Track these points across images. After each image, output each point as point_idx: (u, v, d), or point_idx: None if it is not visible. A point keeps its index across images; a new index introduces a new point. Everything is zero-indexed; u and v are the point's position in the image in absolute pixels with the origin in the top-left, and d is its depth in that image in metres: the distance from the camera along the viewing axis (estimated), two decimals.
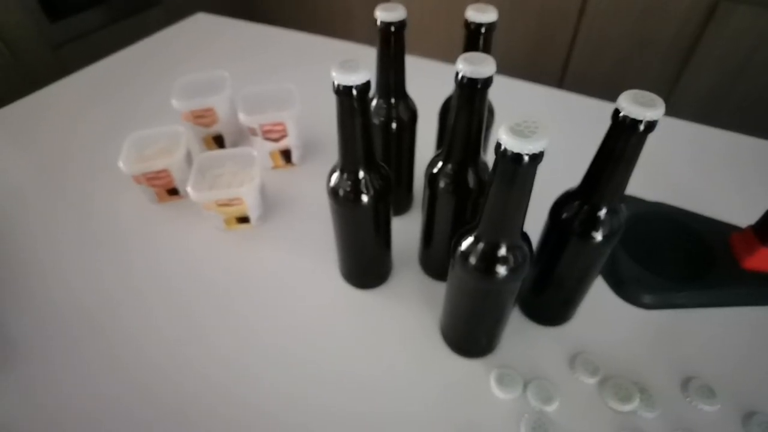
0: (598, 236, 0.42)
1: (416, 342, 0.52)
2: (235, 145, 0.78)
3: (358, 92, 0.38)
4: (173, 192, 0.68)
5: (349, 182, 0.45)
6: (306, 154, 0.74)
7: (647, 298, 0.55)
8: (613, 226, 0.41)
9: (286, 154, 0.71)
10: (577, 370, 0.49)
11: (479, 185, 0.45)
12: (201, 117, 0.71)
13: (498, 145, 0.31)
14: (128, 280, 0.59)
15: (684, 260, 0.58)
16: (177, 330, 0.53)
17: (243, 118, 0.65)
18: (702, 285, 0.55)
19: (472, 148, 0.43)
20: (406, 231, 0.60)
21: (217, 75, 0.74)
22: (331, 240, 0.59)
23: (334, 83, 0.38)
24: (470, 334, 0.48)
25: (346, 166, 0.44)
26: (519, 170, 0.31)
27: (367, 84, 0.38)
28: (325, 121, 0.75)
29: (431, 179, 0.47)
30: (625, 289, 0.56)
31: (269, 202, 0.67)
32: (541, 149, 0.30)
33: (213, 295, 0.57)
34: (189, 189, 0.58)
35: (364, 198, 0.45)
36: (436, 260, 0.55)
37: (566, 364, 0.50)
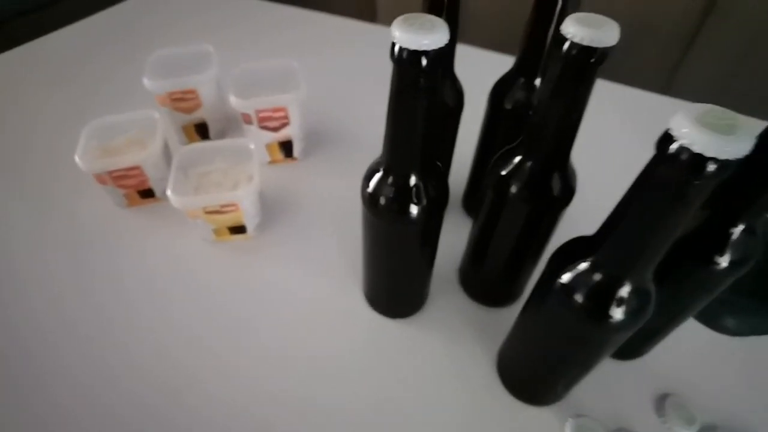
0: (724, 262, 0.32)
1: (467, 386, 0.41)
2: (221, 135, 0.64)
3: (429, 61, 0.26)
4: (147, 194, 0.54)
5: (397, 188, 0.33)
6: (309, 147, 0.62)
7: (731, 323, 0.47)
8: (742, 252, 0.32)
9: (287, 147, 0.59)
10: (669, 417, 0.39)
11: (566, 195, 0.35)
12: (180, 100, 0.58)
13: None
14: (90, 307, 0.46)
15: None
16: (157, 376, 0.41)
17: (235, 102, 0.53)
18: None
19: (565, 146, 0.32)
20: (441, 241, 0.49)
21: (199, 49, 0.61)
22: (350, 254, 0.48)
23: (394, 47, 0.26)
24: (548, 382, 0.38)
25: (395, 166, 0.33)
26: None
27: (444, 51, 0.26)
28: (331, 106, 0.63)
29: (500, 182, 0.36)
30: (704, 311, 0.47)
31: (267, 206, 0.54)
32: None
33: (200, 328, 0.44)
34: (169, 193, 0.45)
35: (415, 210, 0.33)
36: (490, 282, 0.45)
37: (652, 408, 0.40)
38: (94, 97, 0.72)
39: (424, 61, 0.26)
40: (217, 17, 0.93)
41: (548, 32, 0.38)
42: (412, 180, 0.33)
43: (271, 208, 0.54)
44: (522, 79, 0.42)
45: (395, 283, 0.42)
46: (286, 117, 0.55)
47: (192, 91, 0.57)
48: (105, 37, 0.87)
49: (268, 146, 0.58)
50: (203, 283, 0.48)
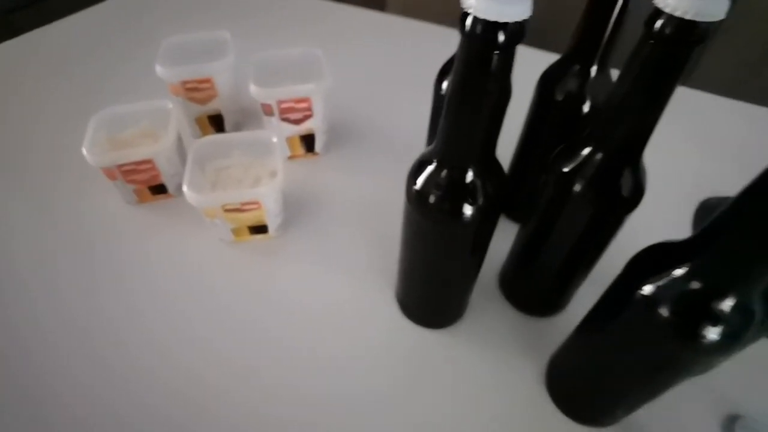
0: None
1: (513, 403, 0.38)
2: (237, 128, 0.60)
3: (509, 37, 0.22)
4: (159, 189, 0.51)
5: (453, 184, 0.29)
6: (330, 142, 0.58)
7: None
8: None
9: (309, 141, 0.55)
10: None
11: (636, 195, 0.31)
12: (195, 90, 0.54)
13: None
14: (97, 312, 0.42)
15: None
16: (171, 384, 0.37)
17: (256, 91, 0.49)
18: None
19: (642, 140, 0.29)
20: None
21: (215, 36, 0.57)
22: (379, 256, 0.45)
23: (467, 18, 0.22)
24: (610, 402, 0.34)
25: (452, 158, 0.29)
26: None
27: (525, 25, 0.22)
28: (352, 99, 0.59)
29: (562, 179, 0.32)
30: None
31: (288, 204, 0.50)
32: None
33: (218, 333, 0.41)
34: (185, 188, 0.41)
35: (469, 210, 0.29)
36: (538, 290, 0.41)
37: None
38: (102, 87, 0.68)
39: (502, 36, 0.22)
40: (232, 5, 0.89)
41: (611, 13, 0.34)
42: (470, 175, 0.29)
43: (292, 206, 0.50)
44: (577, 67, 0.38)
45: (437, 291, 0.38)
46: (309, 109, 0.51)
47: (208, 80, 0.53)
48: (114, 25, 0.83)
49: (289, 140, 0.54)
50: (221, 287, 0.44)
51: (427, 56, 0.78)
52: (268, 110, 0.50)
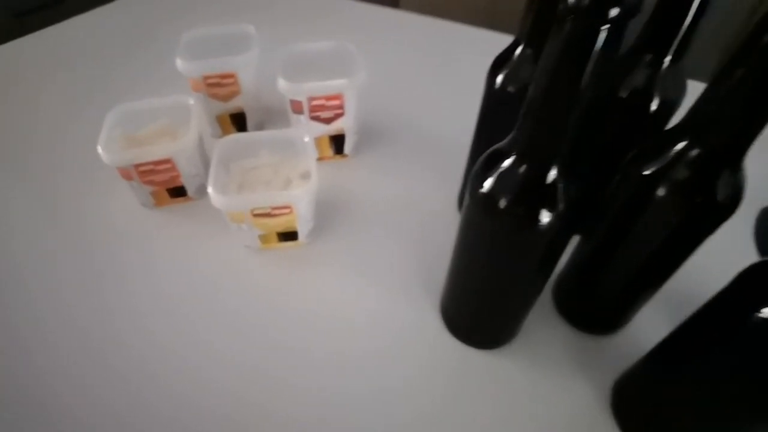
0: None
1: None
2: (259, 128, 0.57)
3: (622, 14, 0.19)
4: (178, 192, 0.47)
5: (534, 184, 0.25)
6: (359, 143, 0.54)
7: None
8: None
9: (338, 142, 0.51)
10: None
11: (735, 200, 0.27)
12: (217, 86, 0.50)
13: None
14: (108, 325, 0.38)
15: None
16: (194, 403, 0.33)
17: (285, 86, 0.45)
18: None
19: (752, 133, 0.25)
20: None
21: (238, 30, 0.54)
22: (418, 267, 0.41)
23: None
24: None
25: (536, 154, 0.25)
26: None
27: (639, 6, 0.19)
28: (380, 99, 0.56)
29: (644, 181, 0.28)
30: None
31: (318, 209, 0.47)
32: None
33: (244, 348, 0.37)
34: (211, 190, 0.38)
35: (546, 216, 0.26)
36: (604, 306, 0.37)
37: None
38: (118, 83, 0.65)
39: (614, 12, 0.19)
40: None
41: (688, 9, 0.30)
42: (553, 174, 0.25)
43: (321, 211, 0.46)
44: (648, 58, 0.34)
45: (496, 308, 0.34)
46: (340, 106, 0.47)
47: (231, 75, 0.50)
48: (131, 16, 0.80)
49: (318, 141, 0.50)
50: (247, 297, 0.40)
51: (448, 54, 0.75)
52: (297, 108, 0.47)
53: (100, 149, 0.42)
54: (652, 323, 0.37)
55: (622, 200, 0.31)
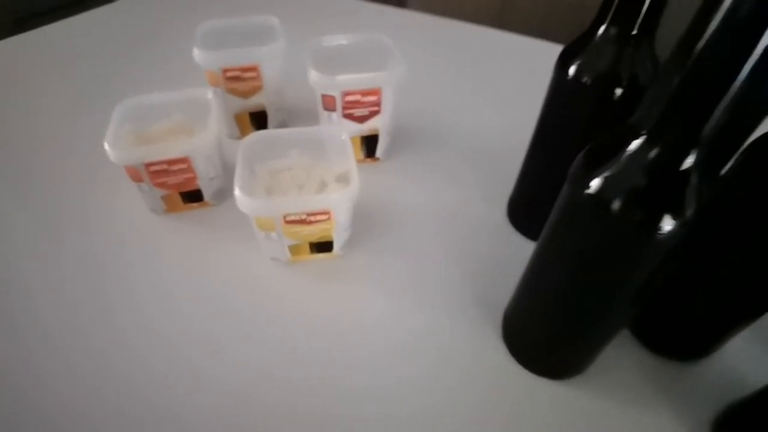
0: None
1: None
2: (281, 128, 0.51)
3: None
4: (193, 196, 0.41)
5: (662, 181, 0.20)
6: (391, 145, 0.49)
7: None
8: None
9: (370, 143, 0.46)
10: None
11: None
12: (237, 80, 0.45)
13: None
14: (117, 345, 0.32)
15: None
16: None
17: (318, 79, 0.40)
18: None
19: None
20: None
21: (260, 21, 0.49)
22: (471, 281, 0.36)
23: None
24: None
25: (669, 137, 0.20)
26: None
27: None
28: (405, 99, 0.51)
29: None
30: None
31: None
32: None
33: (275, 382, 0.31)
34: (238, 192, 0.32)
35: (676, 219, 0.21)
36: (695, 331, 0.32)
37: None
38: (129, 73, 0.59)
39: None
40: None
41: None
42: (691, 168, 0.20)
43: (354, 220, 0.41)
44: None
45: (583, 331, 0.28)
46: (377, 103, 0.42)
47: (253, 68, 0.45)
48: (134, 18, 0.75)
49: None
50: (275, 318, 0.35)
51: (464, 53, 0.71)
52: (329, 104, 0.42)
53: (106, 146, 0.36)
54: (746, 345, 0.33)
55: (729, 207, 0.26)
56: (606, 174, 0.22)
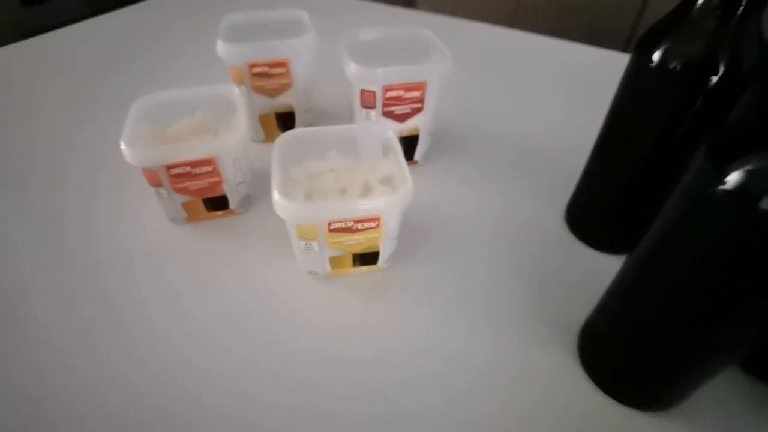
0: None
1: None
2: None
3: None
4: (218, 204, 0.37)
5: None
6: (430, 148, 0.45)
7: None
8: None
9: (409, 145, 0.42)
10: None
11: None
12: (264, 76, 0.41)
13: None
14: (129, 368, 0.27)
15: None
16: None
17: (357, 72, 0.36)
18: None
19: None
20: None
21: (288, 15, 0.45)
22: (538, 298, 0.32)
23: None
24: None
25: None
26: None
27: None
28: (449, 102, 0.47)
29: None
30: None
31: None
32: None
33: (318, 406, 0.26)
34: (276, 196, 0.28)
35: None
36: None
37: None
38: (150, 68, 0.57)
39: None
40: None
41: None
42: None
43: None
44: None
45: (698, 351, 0.24)
46: (420, 99, 0.39)
47: (282, 64, 0.41)
48: (148, 19, 0.72)
49: None
50: (316, 340, 0.30)
51: (477, 53, 0.67)
52: (368, 100, 0.38)
53: (123, 145, 0.32)
54: None
55: None
56: (749, 167, 0.18)
